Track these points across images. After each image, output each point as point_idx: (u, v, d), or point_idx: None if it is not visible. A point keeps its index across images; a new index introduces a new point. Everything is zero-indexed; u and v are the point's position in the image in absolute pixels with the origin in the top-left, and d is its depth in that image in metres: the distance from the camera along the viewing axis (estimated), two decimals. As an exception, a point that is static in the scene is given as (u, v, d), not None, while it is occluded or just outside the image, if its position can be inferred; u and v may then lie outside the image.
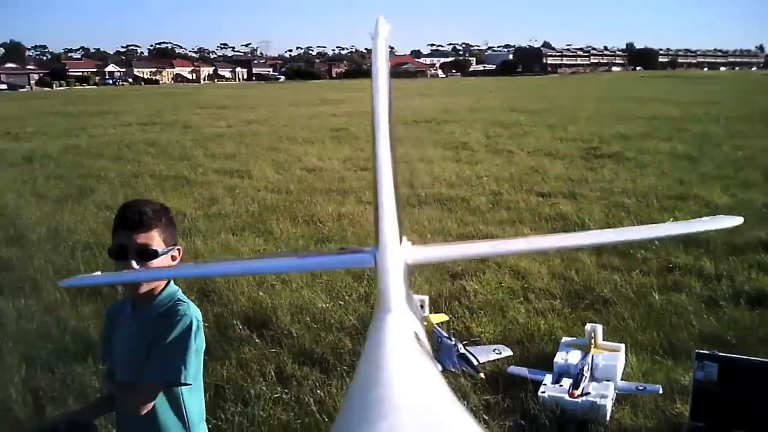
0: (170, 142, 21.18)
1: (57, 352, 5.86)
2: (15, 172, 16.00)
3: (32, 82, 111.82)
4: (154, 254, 2.62)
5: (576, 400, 5.04)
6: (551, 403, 5.08)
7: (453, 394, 1.07)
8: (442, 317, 6.48)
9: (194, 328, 2.67)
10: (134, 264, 2.59)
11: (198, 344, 2.67)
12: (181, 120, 30.11)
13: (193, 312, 2.73)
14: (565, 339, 5.98)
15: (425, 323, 6.18)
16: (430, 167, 15.97)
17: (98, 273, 2.68)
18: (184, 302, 2.76)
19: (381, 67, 1.78)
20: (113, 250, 2.65)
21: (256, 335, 6.26)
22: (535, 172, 14.96)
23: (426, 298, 1.59)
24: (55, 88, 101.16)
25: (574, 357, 5.58)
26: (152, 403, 2.62)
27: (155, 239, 2.63)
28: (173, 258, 2.74)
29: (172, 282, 2.79)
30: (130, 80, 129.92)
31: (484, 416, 5.00)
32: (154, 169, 16.06)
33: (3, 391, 5.28)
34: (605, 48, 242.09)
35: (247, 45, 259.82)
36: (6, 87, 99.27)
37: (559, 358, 5.62)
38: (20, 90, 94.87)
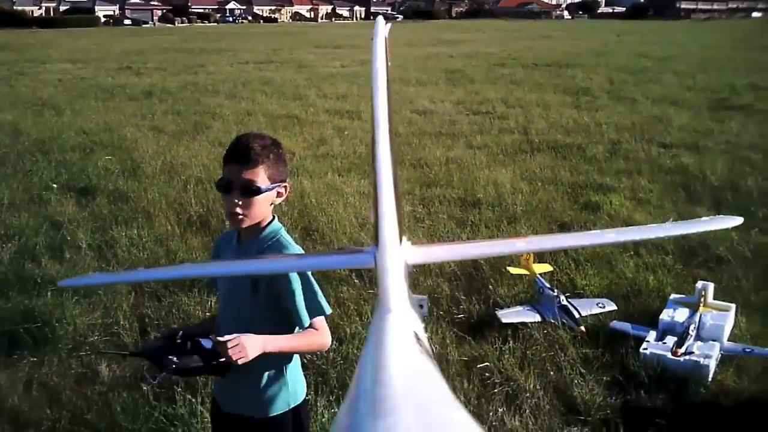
0: (284, 81, 21.47)
1: (165, 282, 6.09)
2: (134, 106, 16.60)
3: (155, 18, 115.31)
4: (257, 191, 2.63)
5: (678, 358, 4.85)
6: (652, 360, 4.92)
7: (453, 394, 1.05)
8: (546, 267, 6.37)
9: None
10: (236, 199, 2.62)
11: None
12: (297, 59, 30.48)
13: (296, 251, 2.78)
14: (673, 296, 5.74)
15: (529, 272, 6.09)
16: (546, 113, 15.56)
17: (97, 273, 2.78)
18: (288, 242, 2.78)
19: (381, 66, 1.78)
20: (219, 183, 2.69)
21: (354, 276, 6.32)
22: (659, 122, 14.30)
23: (425, 298, 1.56)
24: (177, 24, 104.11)
25: (681, 315, 5.36)
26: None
27: (260, 175, 2.63)
28: (279, 194, 2.74)
29: (276, 219, 2.81)
30: (250, 18, 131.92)
31: (581, 369, 4.89)
32: (268, 107, 16.32)
33: (112, 316, 5.57)
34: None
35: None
36: (130, 22, 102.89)
37: (666, 315, 5.40)
38: (143, 26, 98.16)
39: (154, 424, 4.30)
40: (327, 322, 2.79)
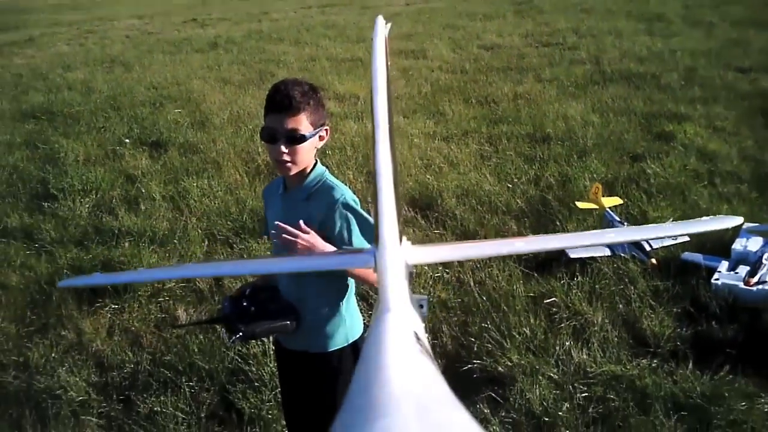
0: (348, 24, 21.28)
1: (236, 229, 6.25)
2: (200, 58, 16.73)
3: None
4: (302, 138, 2.69)
5: (751, 288, 4.76)
6: (724, 290, 4.83)
7: (453, 393, 1.05)
8: (616, 200, 6.26)
9: (354, 204, 2.78)
10: (282, 148, 2.68)
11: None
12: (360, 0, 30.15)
13: (345, 191, 2.81)
14: (747, 225, 5.55)
15: (598, 206, 6.00)
16: (619, 41, 14.99)
17: (98, 274, 2.84)
18: (335, 183, 2.83)
19: (381, 66, 1.79)
20: (263, 132, 2.74)
21: (420, 216, 6.34)
22: (736, 46, 13.63)
23: (426, 298, 1.55)
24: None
25: (754, 244, 5.22)
26: None
27: (303, 123, 2.69)
28: (321, 138, 2.81)
29: (319, 162, 2.84)
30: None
31: (651, 302, 4.84)
32: (331, 51, 16.23)
33: (188, 261, 5.76)
34: None
35: None
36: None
37: (738, 244, 5.28)
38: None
39: (230, 364, 4.47)
40: None
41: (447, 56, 14.40)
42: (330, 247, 2.66)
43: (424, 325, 1.56)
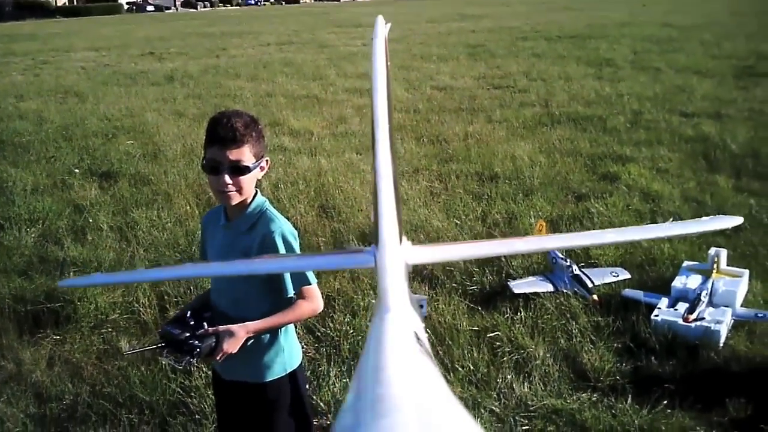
0: (305, 62, 21.46)
1: (184, 261, 6.21)
2: (156, 90, 16.72)
3: (178, 3, 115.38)
4: (246, 169, 2.71)
5: (689, 324, 4.87)
6: (663, 326, 4.94)
7: (453, 393, 1.06)
8: (559, 238, 6.37)
9: (290, 239, 2.81)
10: (227, 179, 2.68)
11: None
12: (318, 39, 30.40)
13: (283, 224, 2.85)
14: (686, 263, 5.75)
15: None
16: (568, 85, 15.42)
17: (98, 274, 2.83)
18: (275, 215, 2.86)
19: (380, 66, 1.78)
20: (206, 165, 2.74)
21: (370, 250, 6.37)
22: (681, 91, 14.10)
23: (425, 298, 1.59)
24: (199, 9, 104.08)
25: (693, 281, 5.37)
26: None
27: (246, 154, 2.70)
28: (262, 169, 2.83)
29: (259, 193, 2.88)
30: (272, 0, 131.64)
31: (592, 337, 4.93)
32: (288, 88, 16.35)
33: (132, 295, 5.70)
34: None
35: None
36: (153, 9, 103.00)
37: (678, 282, 5.42)
38: (166, 11, 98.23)
39: (171, 396, 4.42)
40: (320, 290, 2.90)
41: (401, 96, 14.60)
42: (253, 325, 2.72)
43: (423, 325, 1.56)
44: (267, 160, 2.86)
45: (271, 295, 2.83)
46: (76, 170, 9.52)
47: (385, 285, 1.41)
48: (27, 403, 4.47)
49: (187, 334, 2.65)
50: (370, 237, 6.74)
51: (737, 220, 2.18)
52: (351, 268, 2.44)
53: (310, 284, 2.82)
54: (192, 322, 2.69)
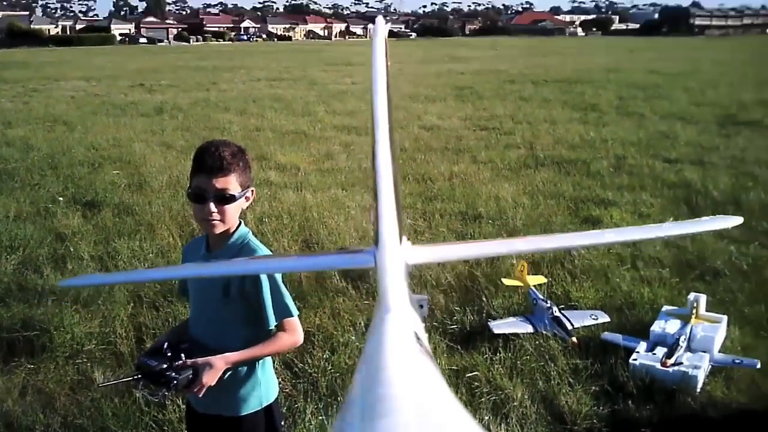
0: (295, 98, 21.63)
1: (163, 293, 6.17)
2: (145, 122, 16.80)
3: (170, 36, 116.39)
4: (232, 198, 2.71)
5: (667, 369, 4.87)
6: (641, 371, 4.94)
7: (453, 394, 1.06)
8: (541, 279, 6.41)
9: None
10: (212, 207, 2.68)
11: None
12: (309, 76, 30.67)
13: (266, 253, 2.87)
14: (665, 308, 5.77)
15: (523, 284, 6.12)
16: (553, 128, 15.62)
17: (97, 274, 2.81)
18: (257, 246, 2.86)
19: (381, 66, 1.79)
20: (192, 193, 2.75)
21: (351, 287, 6.38)
22: (665, 137, 14.31)
23: (426, 298, 1.58)
24: (192, 42, 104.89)
25: (672, 326, 5.38)
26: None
27: (232, 183, 2.71)
28: (247, 199, 2.83)
29: (242, 223, 2.88)
30: (264, 36, 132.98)
31: (570, 379, 4.92)
32: (276, 123, 16.47)
33: (110, 325, 5.65)
34: (762, 7, 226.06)
35: (381, 1, 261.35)
36: (146, 41, 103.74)
37: (657, 326, 5.43)
38: (159, 44, 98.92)
39: (144, 429, 4.37)
40: (301, 322, 2.89)
41: (388, 134, 14.67)
42: (232, 356, 2.71)
43: (424, 325, 1.55)
44: (252, 191, 2.87)
45: (251, 326, 2.82)
46: (60, 198, 9.50)
47: (385, 285, 1.41)
48: (-3, 433, 4.41)
49: (165, 366, 2.62)
50: (353, 274, 6.76)
51: (737, 220, 2.18)
52: (351, 268, 2.41)
53: (291, 316, 2.82)
54: (169, 354, 2.66)
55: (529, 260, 6.87)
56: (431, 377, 1.16)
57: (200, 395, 2.69)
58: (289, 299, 2.83)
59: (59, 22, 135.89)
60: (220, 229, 2.76)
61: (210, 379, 2.65)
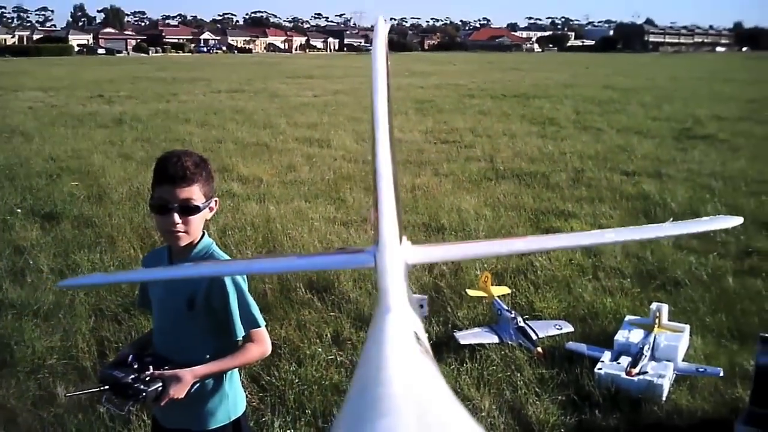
0: (256, 110, 21.55)
1: (125, 306, 6.08)
2: (104, 133, 16.59)
3: (129, 47, 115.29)
4: (196, 209, 2.66)
5: (632, 378, 4.94)
6: (607, 380, 4.99)
7: (453, 393, 1.06)
8: (504, 290, 6.46)
9: (239, 279, 2.77)
10: (176, 218, 2.63)
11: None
12: (270, 89, 30.59)
13: None
14: (628, 317, 5.85)
15: (487, 294, 6.16)
16: (512, 141, 15.80)
17: (98, 274, 2.77)
18: (221, 255, 2.83)
19: (381, 67, 1.78)
20: (154, 204, 2.69)
21: (317, 299, 6.36)
22: (623, 151, 14.57)
23: (425, 298, 1.58)
24: (151, 54, 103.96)
25: (635, 336, 5.45)
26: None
27: (196, 193, 2.66)
28: (211, 209, 2.79)
29: (206, 234, 2.85)
30: (224, 48, 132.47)
31: (537, 389, 4.96)
32: (238, 135, 16.38)
33: (71, 339, 5.55)
34: (710, 27, 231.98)
35: (341, 15, 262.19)
36: (104, 51, 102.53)
37: (620, 336, 5.50)
38: (117, 55, 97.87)
39: (110, 445, 4.29)
40: (268, 332, 2.87)
41: (350, 146, 14.76)
42: (201, 369, 2.68)
43: (423, 325, 1.54)
44: (216, 201, 2.82)
45: (217, 338, 2.79)
46: (18, 210, 9.31)
47: (385, 285, 1.41)
48: (-45, 450, 4.29)
49: (132, 377, 2.57)
50: (318, 285, 6.74)
51: (737, 220, 2.17)
52: (351, 268, 2.38)
53: (259, 327, 2.80)
54: (135, 365, 2.61)
55: (493, 271, 6.93)
56: (431, 377, 1.16)
57: (164, 407, 2.66)
58: (256, 309, 2.81)
59: (16, 32, 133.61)
60: (185, 241, 2.71)
61: (178, 392, 2.61)
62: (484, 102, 24.98)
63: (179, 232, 2.66)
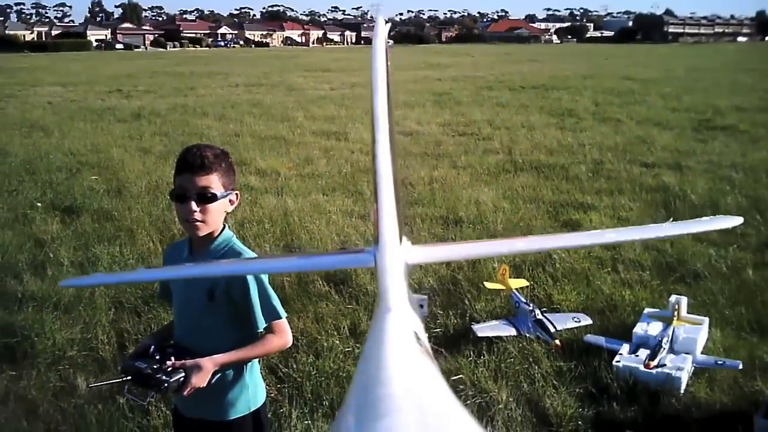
0: (273, 104, 21.59)
1: (145, 298, 6.13)
2: (122, 127, 16.73)
3: (147, 42, 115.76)
4: (213, 197, 2.69)
5: (650, 371, 4.91)
6: (625, 372, 4.97)
7: (452, 393, 1.06)
8: (522, 282, 6.44)
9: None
10: (194, 206, 2.66)
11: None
12: (287, 82, 30.65)
13: (251, 256, 2.85)
14: (647, 310, 5.82)
15: (505, 287, 6.15)
16: (531, 134, 15.71)
17: (99, 274, 2.79)
18: (242, 249, 2.85)
19: (381, 67, 1.79)
20: (174, 192, 2.73)
21: (334, 291, 6.37)
22: (642, 142, 14.45)
23: (426, 298, 1.58)
24: (168, 49, 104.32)
25: (654, 328, 5.43)
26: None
27: (215, 182, 2.69)
28: (231, 202, 2.82)
29: (227, 227, 2.87)
30: (241, 42, 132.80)
31: (554, 381, 4.95)
32: (255, 129, 16.44)
33: (91, 331, 5.60)
34: (732, 17, 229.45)
35: (357, 8, 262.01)
36: (122, 47, 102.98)
37: (639, 328, 5.47)
38: (135, 50, 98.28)
39: (129, 436, 4.33)
40: (290, 325, 2.88)
41: (367, 139, 14.50)
42: (221, 357, 2.69)
43: (424, 325, 1.54)
44: (237, 194, 2.85)
45: (238, 329, 2.81)
46: (39, 204, 9.41)
47: (385, 285, 1.41)
48: (-23, 441, 4.35)
49: (155, 367, 2.60)
50: (336, 279, 6.76)
51: (737, 220, 2.17)
52: (352, 268, 2.38)
53: (280, 318, 2.81)
54: (157, 356, 2.64)
55: (511, 264, 6.91)
56: (431, 377, 1.16)
57: (187, 396, 2.67)
58: (276, 301, 2.82)
59: (34, 28, 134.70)
60: (203, 231, 2.74)
61: (200, 380, 2.64)
62: (502, 94, 24.88)
63: (197, 221, 2.69)
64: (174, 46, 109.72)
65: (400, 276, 1.46)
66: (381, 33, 1.93)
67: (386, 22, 2.05)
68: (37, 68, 42.49)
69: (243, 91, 26.25)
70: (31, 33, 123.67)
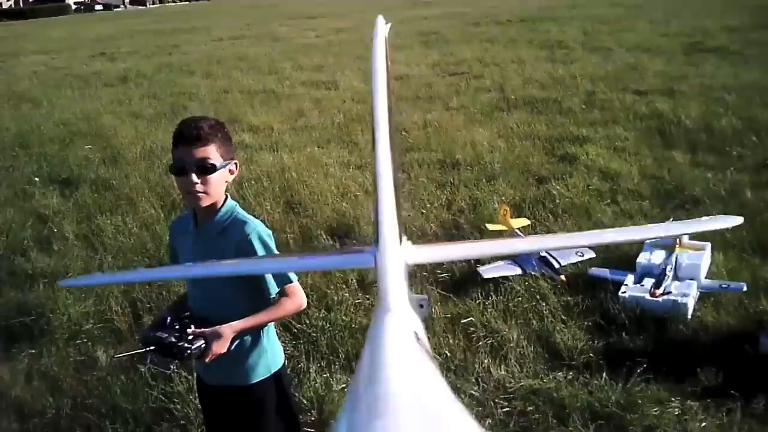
0: (259, 56, 21.31)
1: (153, 266, 6.19)
2: (111, 92, 16.55)
3: (126, 0, 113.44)
4: (213, 168, 2.71)
5: (657, 299, 5.01)
6: (632, 302, 5.08)
7: (452, 393, 1.08)
8: (524, 221, 6.52)
9: (267, 239, 2.83)
10: (194, 178, 2.69)
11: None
12: (271, 32, 30.13)
13: (257, 225, 2.87)
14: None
15: (507, 227, 6.21)
16: (521, 68, 15.55)
17: (98, 274, 2.82)
18: (246, 217, 2.89)
19: (380, 66, 1.79)
20: (173, 166, 2.76)
21: (339, 244, 6.44)
22: (633, 70, 14.33)
23: (426, 298, 1.61)
24: (148, 6, 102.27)
25: (657, 257, 5.51)
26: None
27: (213, 153, 2.72)
28: (231, 172, 2.84)
29: (230, 197, 2.90)
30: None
31: (563, 316, 5.05)
32: (244, 84, 16.25)
33: (105, 303, 5.67)
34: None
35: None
36: (101, 7, 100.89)
37: (642, 258, 5.56)
38: (115, 9, 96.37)
39: (154, 403, 4.43)
40: (301, 285, 2.94)
41: (358, 87, 14.62)
42: (238, 324, 2.75)
43: (424, 325, 1.57)
44: (236, 164, 2.87)
45: (251, 298, 2.85)
46: (36, 178, 9.40)
47: (385, 285, 1.43)
48: (9, 421, 4.44)
49: (176, 335, 2.67)
50: (339, 231, 6.82)
51: (737, 220, 2.18)
52: (351, 268, 2.41)
53: (291, 282, 2.86)
54: (176, 326, 2.71)
55: (511, 203, 6.98)
56: (431, 377, 1.18)
57: (209, 363, 2.75)
58: None
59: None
60: (205, 201, 2.76)
61: (220, 347, 2.71)
62: (490, 29, 24.55)
63: (199, 192, 2.71)
64: (153, 3, 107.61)
65: (400, 276, 1.48)
66: (381, 33, 1.93)
67: (386, 22, 2.05)
68: (18, 36, 41.73)
69: (228, 45, 25.88)
70: (7, 0, 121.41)
